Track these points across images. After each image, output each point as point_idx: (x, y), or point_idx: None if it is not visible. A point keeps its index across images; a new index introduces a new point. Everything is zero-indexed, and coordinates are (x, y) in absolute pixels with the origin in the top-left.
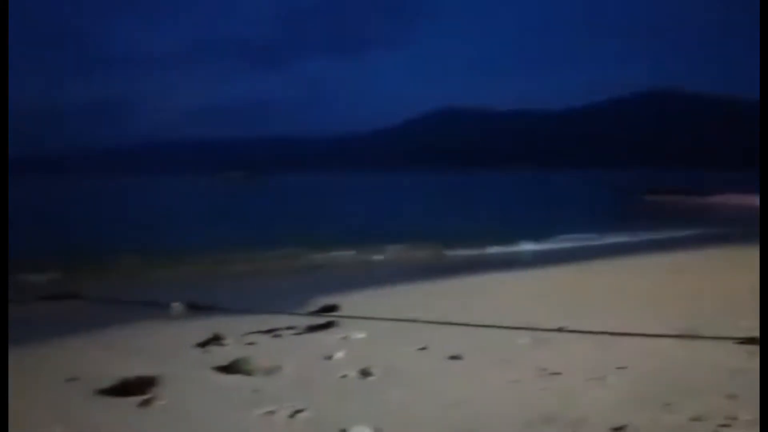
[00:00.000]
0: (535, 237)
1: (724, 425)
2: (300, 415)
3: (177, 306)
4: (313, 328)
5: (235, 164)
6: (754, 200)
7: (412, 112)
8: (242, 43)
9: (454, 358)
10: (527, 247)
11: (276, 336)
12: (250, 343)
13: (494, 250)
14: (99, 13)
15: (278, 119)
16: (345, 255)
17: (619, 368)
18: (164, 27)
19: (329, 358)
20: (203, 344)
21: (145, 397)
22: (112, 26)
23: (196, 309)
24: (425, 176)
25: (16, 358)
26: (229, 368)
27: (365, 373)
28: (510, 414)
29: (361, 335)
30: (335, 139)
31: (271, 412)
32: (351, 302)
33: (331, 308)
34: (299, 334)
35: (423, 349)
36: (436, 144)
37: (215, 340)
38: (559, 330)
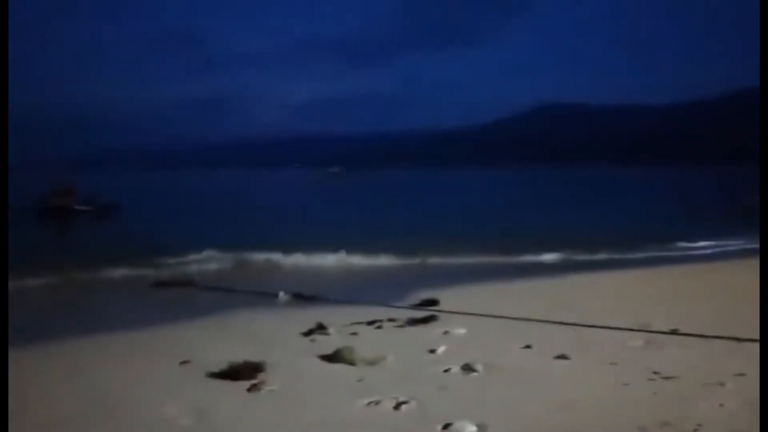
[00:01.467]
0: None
1: None
2: (404, 407)
3: (283, 295)
4: (414, 322)
5: (337, 159)
6: None
7: (511, 108)
8: (344, 41)
9: (560, 357)
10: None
11: (378, 327)
12: (353, 334)
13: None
14: (213, 14)
15: (378, 115)
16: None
17: (738, 375)
18: (271, 26)
19: (432, 351)
20: (308, 333)
21: (253, 381)
22: (224, 27)
23: (300, 299)
24: (528, 173)
25: (133, 341)
26: (334, 357)
27: (468, 368)
28: (622, 418)
29: (462, 331)
30: (434, 135)
31: (376, 402)
32: (450, 297)
33: (431, 302)
34: (401, 326)
35: (527, 347)
36: (536, 140)
37: (319, 329)
38: (673, 333)
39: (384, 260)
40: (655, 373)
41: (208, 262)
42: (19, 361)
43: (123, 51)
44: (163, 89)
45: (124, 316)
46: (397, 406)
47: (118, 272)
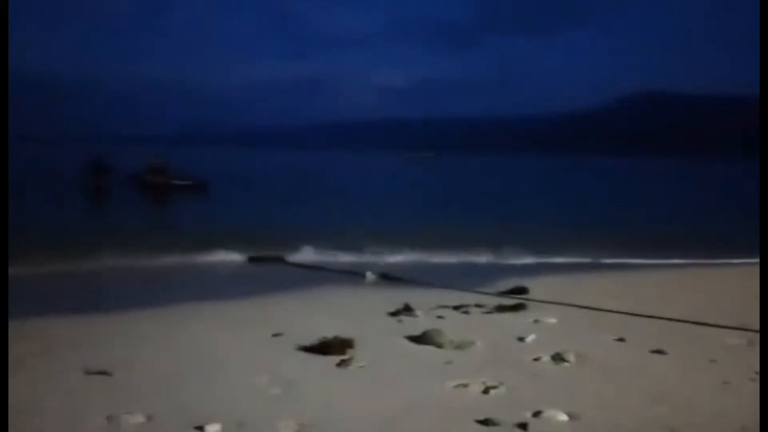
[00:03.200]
0: None
1: None
2: (493, 392)
3: (370, 275)
4: (502, 309)
5: (426, 143)
6: None
7: (606, 95)
8: (437, 24)
9: (656, 352)
10: None
11: (465, 312)
12: (440, 317)
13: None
14: None
15: (472, 99)
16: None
17: None
18: (367, 8)
19: (521, 339)
20: (395, 313)
21: (342, 357)
22: (322, 8)
23: (387, 279)
24: (625, 162)
25: (229, 311)
26: (421, 338)
27: (559, 358)
28: (723, 416)
29: (552, 320)
30: (525, 121)
31: (464, 385)
32: (539, 287)
33: (521, 290)
34: (488, 313)
35: (620, 340)
36: (633, 129)
37: (406, 310)
38: None
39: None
40: (757, 373)
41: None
42: (126, 323)
43: (225, 31)
44: (262, 69)
45: (222, 287)
46: (486, 391)
47: (214, 245)
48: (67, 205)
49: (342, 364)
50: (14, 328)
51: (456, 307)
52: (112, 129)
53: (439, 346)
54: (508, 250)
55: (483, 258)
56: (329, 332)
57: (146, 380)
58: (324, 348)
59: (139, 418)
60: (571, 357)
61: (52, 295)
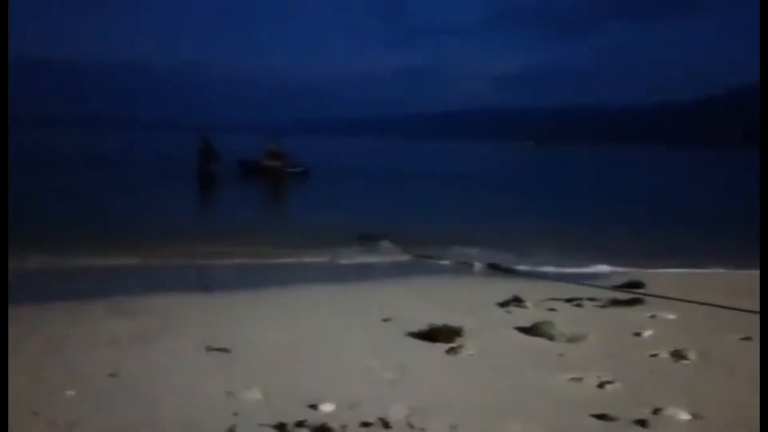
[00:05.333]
0: None
1: None
2: (609, 387)
3: (478, 265)
4: (617, 303)
5: (533, 132)
6: None
7: (719, 85)
8: (544, 12)
9: None
10: None
11: (577, 305)
12: (551, 309)
13: None
14: None
15: (577, 87)
16: None
17: None
18: None
19: (637, 335)
20: (504, 304)
21: (452, 345)
22: None
23: (495, 269)
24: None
25: (338, 296)
26: (532, 330)
27: (679, 355)
28: None
29: (671, 316)
30: (631, 110)
31: (578, 379)
32: (656, 281)
33: (636, 285)
34: (602, 307)
35: (746, 339)
36: (740, 124)
37: (516, 301)
38: None
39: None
40: None
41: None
42: (243, 303)
43: (330, 23)
44: (366, 60)
45: (333, 270)
46: (601, 385)
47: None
48: (181, 192)
49: (451, 351)
50: (144, 305)
51: (568, 300)
52: (223, 117)
53: (550, 338)
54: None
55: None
56: (437, 320)
57: (262, 359)
58: (433, 335)
59: (257, 395)
60: (691, 354)
61: (177, 277)
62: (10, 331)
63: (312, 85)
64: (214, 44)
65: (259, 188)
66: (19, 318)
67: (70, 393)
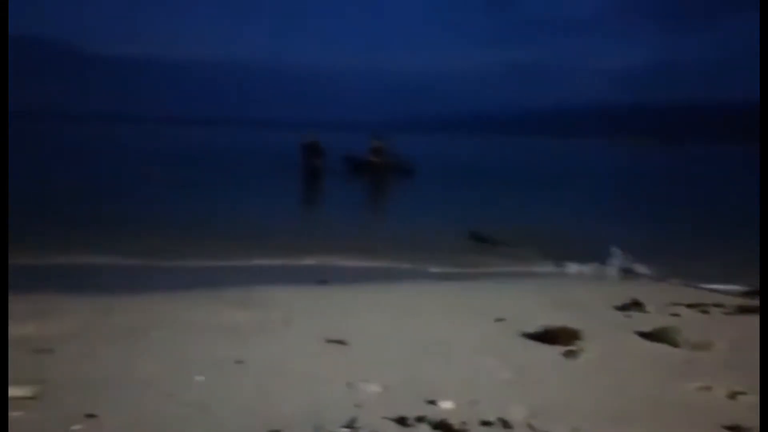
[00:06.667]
0: None
1: None
2: (741, 398)
3: (592, 265)
4: (745, 310)
5: (652, 130)
6: None
7: None
8: (658, 4)
9: None
10: None
11: (702, 311)
12: (674, 314)
13: None
14: None
15: (692, 83)
16: None
17: None
18: None
19: None
20: (623, 307)
21: (570, 348)
22: None
23: (611, 270)
24: None
25: (451, 293)
26: (654, 335)
27: None
28: None
29: None
30: (748, 107)
31: (707, 388)
32: None
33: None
34: (729, 314)
35: None
36: None
37: (635, 305)
38: None
39: None
40: None
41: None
42: (357, 295)
43: (435, 17)
44: (477, 55)
45: (451, 265)
46: (732, 396)
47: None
48: (289, 189)
49: (570, 354)
50: (264, 297)
51: (691, 306)
52: (322, 114)
53: (674, 344)
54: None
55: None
56: (551, 321)
57: (379, 352)
58: (549, 337)
59: (376, 388)
60: None
61: (292, 271)
62: (142, 318)
63: (413, 81)
64: (309, 42)
65: (365, 185)
66: (148, 306)
67: (200, 378)
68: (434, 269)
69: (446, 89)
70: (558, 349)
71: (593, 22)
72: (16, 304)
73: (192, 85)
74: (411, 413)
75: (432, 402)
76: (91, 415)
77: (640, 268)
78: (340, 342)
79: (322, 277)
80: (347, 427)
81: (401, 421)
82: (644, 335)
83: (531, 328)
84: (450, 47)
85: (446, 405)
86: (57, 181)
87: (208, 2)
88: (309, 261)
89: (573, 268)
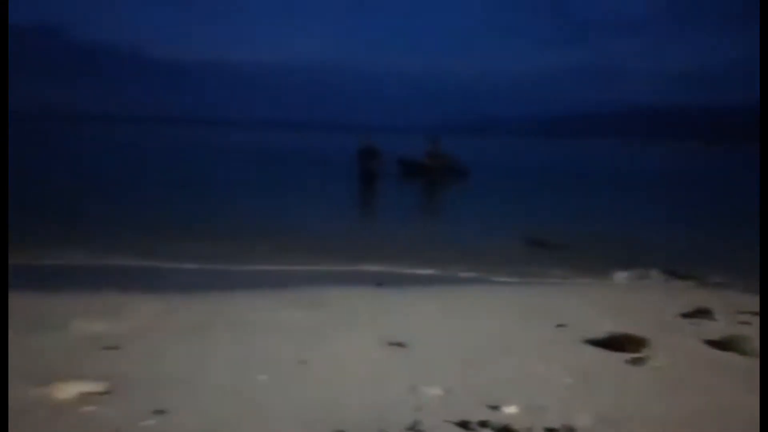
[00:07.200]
0: None
1: None
2: None
3: (656, 272)
4: None
5: (716, 133)
6: None
7: None
8: (724, 3)
9: None
10: None
11: None
12: (744, 323)
13: None
14: None
15: (753, 84)
16: None
17: None
18: None
19: None
20: (689, 315)
21: (636, 355)
22: None
23: (675, 277)
24: None
25: (509, 296)
26: (724, 344)
27: None
28: None
29: None
30: None
31: None
32: None
33: None
34: None
35: None
36: None
37: (702, 313)
38: None
39: None
40: None
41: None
42: (413, 298)
43: (493, 20)
44: (533, 58)
45: (509, 270)
46: None
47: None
48: (349, 191)
49: (636, 362)
50: (323, 298)
51: (757, 313)
52: (379, 117)
53: (744, 353)
54: None
55: None
56: (614, 328)
57: (439, 355)
58: (614, 343)
59: (438, 391)
60: None
61: (350, 276)
62: (206, 317)
63: (469, 86)
64: (366, 44)
65: (421, 187)
66: (212, 306)
67: (263, 377)
68: (493, 276)
69: (504, 91)
70: (623, 356)
71: (652, 24)
72: (85, 303)
73: (250, 87)
74: (473, 417)
75: (495, 407)
76: (160, 411)
77: (706, 276)
78: (400, 344)
79: (379, 277)
80: (410, 429)
81: (464, 425)
82: (713, 343)
83: (593, 335)
84: (508, 49)
85: (510, 410)
86: (129, 182)
87: (264, 8)
88: (366, 267)
89: (636, 273)
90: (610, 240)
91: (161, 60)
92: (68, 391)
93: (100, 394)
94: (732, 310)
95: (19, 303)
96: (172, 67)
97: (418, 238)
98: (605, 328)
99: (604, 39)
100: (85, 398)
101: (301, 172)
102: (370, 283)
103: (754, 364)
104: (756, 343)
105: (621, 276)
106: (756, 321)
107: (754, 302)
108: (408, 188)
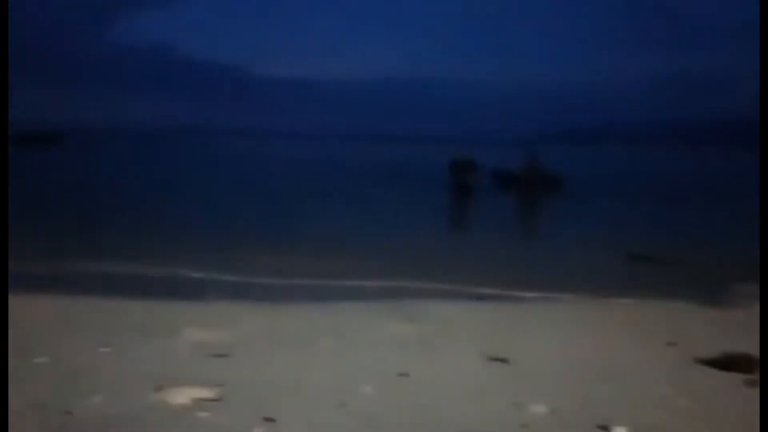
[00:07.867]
0: None
1: None
2: None
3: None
4: None
5: None
6: None
7: None
8: None
9: None
10: None
11: None
12: None
13: None
14: None
15: None
16: None
17: None
18: None
19: None
20: None
21: (753, 376)
22: None
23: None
24: None
25: (606, 312)
26: None
27: None
28: None
29: None
30: None
31: None
32: None
33: None
34: None
35: None
36: None
37: None
38: None
39: None
40: None
41: None
42: (521, 314)
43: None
44: (628, 66)
45: (601, 283)
46: None
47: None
48: (435, 205)
49: (753, 384)
50: (423, 311)
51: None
52: (472, 128)
53: None
54: None
55: None
56: (727, 346)
57: (544, 372)
58: (728, 363)
59: (543, 409)
60: None
61: (446, 293)
62: (309, 327)
63: (570, 94)
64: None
65: (516, 200)
66: (315, 316)
67: (368, 389)
68: (596, 293)
69: (600, 101)
70: (738, 377)
71: (750, 28)
72: (194, 312)
73: (344, 102)
74: None
75: (604, 428)
76: (269, 419)
77: None
78: (503, 360)
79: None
80: None
81: None
82: None
83: (706, 353)
84: (612, 55)
85: (620, 431)
86: (232, 197)
87: (353, 25)
88: (462, 286)
89: (746, 288)
90: (719, 252)
91: (260, 76)
92: (182, 396)
93: (213, 400)
94: None
95: (134, 310)
96: (268, 82)
97: (513, 257)
98: (719, 346)
99: (715, 44)
100: (198, 404)
101: (396, 185)
102: (470, 298)
103: None
104: None
105: (737, 292)
106: None
107: None
108: (505, 201)
